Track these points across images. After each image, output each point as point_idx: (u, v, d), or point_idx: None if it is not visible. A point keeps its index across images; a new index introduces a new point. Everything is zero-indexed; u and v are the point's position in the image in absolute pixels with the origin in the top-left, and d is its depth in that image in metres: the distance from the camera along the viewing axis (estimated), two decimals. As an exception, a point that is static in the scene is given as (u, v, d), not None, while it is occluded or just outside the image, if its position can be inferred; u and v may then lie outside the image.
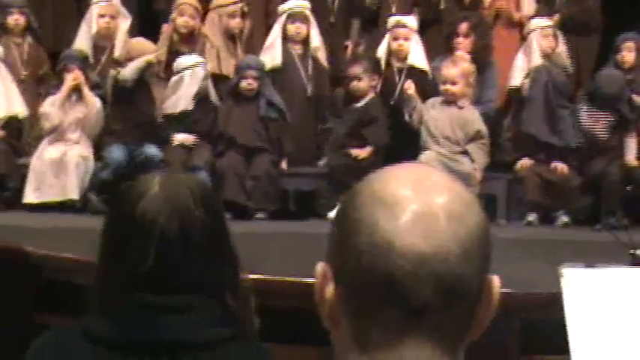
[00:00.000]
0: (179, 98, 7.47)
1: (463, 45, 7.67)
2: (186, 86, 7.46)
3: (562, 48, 7.87)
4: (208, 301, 1.96)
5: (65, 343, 1.96)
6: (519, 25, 8.27)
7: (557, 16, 8.18)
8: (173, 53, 7.83)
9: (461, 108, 7.25)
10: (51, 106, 7.35)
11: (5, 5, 7.91)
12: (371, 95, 7.55)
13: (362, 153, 7.39)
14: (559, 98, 7.52)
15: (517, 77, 7.70)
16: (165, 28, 7.99)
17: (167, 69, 7.76)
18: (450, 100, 7.26)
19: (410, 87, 7.40)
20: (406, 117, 7.42)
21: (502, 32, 8.28)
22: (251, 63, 7.50)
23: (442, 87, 7.28)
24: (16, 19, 7.84)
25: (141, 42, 7.65)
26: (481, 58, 7.68)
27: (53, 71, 7.77)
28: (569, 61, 7.88)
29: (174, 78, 7.49)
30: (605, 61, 7.90)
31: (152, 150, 7.30)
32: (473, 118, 7.22)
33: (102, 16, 7.87)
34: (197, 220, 1.95)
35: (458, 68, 7.26)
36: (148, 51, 7.50)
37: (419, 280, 1.10)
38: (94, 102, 7.37)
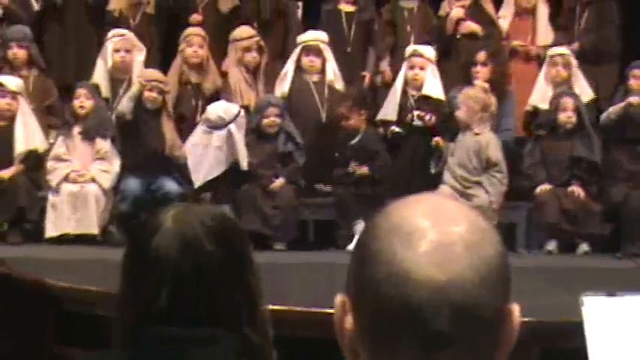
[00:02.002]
0: (238, 153, 7.38)
1: (481, 73, 7.69)
2: (238, 140, 7.42)
3: (578, 78, 7.84)
4: (227, 333, 1.95)
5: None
6: (537, 58, 8.29)
7: (575, 45, 8.19)
8: (184, 85, 7.86)
9: (477, 135, 7.23)
10: (54, 161, 7.38)
11: (5, 39, 7.93)
12: (363, 129, 7.54)
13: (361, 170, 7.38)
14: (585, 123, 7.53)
15: (538, 99, 7.73)
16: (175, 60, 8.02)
17: (178, 102, 7.78)
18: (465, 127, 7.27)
19: (439, 141, 7.40)
20: (432, 169, 7.42)
21: (519, 64, 8.29)
22: (272, 101, 7.53)
23: None
24: (14, 53, 7.86)
25: (151, 72, 7.66)
26: (499, 87, 7.69)
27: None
28: (587, 91, 7.85)
29: (219, 133, 7.42)
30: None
31: (171, 185, 7.30)
32: (488, 145, 7.18)
33: (117, 50, 7.91)
34: (209, 254, 1.95)
35: None
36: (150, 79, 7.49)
37: (434, 308, 1.09)
38: (105, 147, 7.41)
